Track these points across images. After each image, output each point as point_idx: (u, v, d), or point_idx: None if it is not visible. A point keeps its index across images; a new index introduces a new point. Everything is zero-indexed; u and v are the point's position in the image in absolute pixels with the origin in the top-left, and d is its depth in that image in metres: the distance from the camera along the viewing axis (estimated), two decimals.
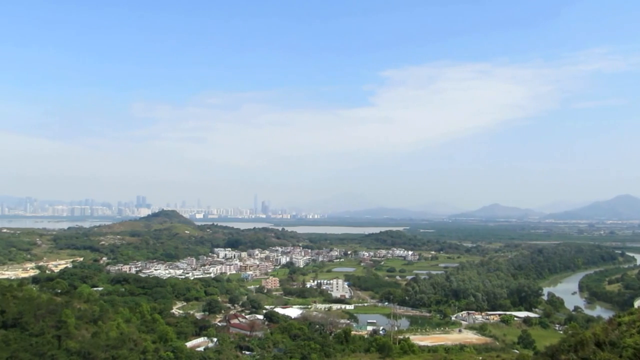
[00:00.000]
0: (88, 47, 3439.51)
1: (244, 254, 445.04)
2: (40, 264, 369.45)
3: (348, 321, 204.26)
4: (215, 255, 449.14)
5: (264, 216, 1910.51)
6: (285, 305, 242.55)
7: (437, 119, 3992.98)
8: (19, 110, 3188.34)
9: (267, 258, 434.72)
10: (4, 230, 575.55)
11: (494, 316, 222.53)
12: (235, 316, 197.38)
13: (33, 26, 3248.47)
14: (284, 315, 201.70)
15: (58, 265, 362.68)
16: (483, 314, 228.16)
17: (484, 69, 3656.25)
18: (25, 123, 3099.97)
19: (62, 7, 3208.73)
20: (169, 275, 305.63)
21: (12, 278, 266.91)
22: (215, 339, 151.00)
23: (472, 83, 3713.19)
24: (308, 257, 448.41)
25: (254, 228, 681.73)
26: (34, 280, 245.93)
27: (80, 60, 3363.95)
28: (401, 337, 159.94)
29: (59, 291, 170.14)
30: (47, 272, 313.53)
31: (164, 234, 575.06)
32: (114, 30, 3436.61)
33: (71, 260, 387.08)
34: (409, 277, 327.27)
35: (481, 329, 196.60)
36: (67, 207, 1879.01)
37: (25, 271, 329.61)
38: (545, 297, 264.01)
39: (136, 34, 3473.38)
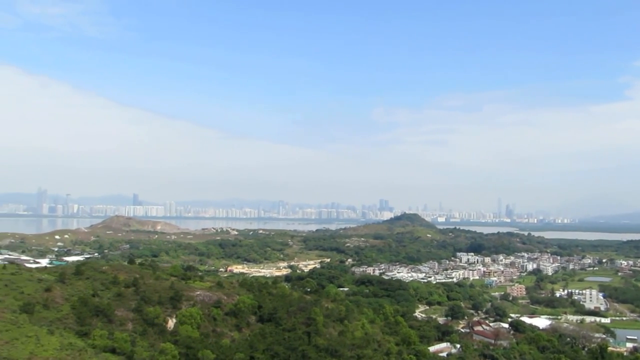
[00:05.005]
0: (332, 56, 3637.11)
1: (487, 259, 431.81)
2: (292, 263, 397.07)
3: (603, 336, 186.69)
4: (457, 259, 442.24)
5: (508, 220, 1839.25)
6: (532, 314, 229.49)
7: None
8: (272, 119, 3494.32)
9: (512, 264, 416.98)
10: (260, 232, 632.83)
11: None
12: (479, 323, 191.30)
13: (284, 37, 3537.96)
14: (530, 325, 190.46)
15: (307, 265, 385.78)
16: None
17: None
18: (277, 131, 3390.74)
19: (308, 17, 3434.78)
20: (411, 279, 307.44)
21: (268, 276, 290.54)
22: (458, 345, 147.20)
23: None
24: (557, 265, 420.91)
25: (498, 232, 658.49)
26: (286, 278, 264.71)
27: (325, 68, 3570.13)
28: None
29: (309, 290, 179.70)
30: (297, 271, 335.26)
31: (406, 237, 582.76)
32: (353, 38, 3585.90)
33: (319, 260, 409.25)
34: None
35: None
36: (315, 210, 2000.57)
37: (278, 270, 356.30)
38: None
39: (374, 41, 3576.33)
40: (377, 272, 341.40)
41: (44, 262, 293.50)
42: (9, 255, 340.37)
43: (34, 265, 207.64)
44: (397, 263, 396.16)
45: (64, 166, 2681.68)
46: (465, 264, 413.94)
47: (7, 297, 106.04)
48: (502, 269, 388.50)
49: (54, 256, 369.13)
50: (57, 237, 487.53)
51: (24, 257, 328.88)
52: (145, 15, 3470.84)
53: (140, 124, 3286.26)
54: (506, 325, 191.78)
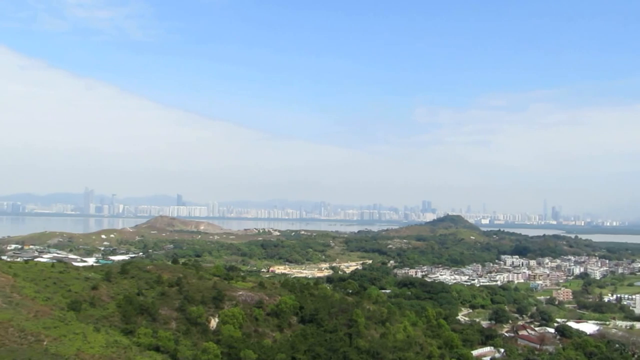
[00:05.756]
0: (374, 56, 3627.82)
1: (532, 262, 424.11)
2: (334, 264, 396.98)
3: None
4: (501, 262, 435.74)
5: (554, 223, 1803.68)
6: (579, 319, 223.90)
7: None
8: (314, 120, 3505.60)
9: (558, 267, 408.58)
10: (302, 232, 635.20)
11: None
12: (524, 327, 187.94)
13: (326, 37, 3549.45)
14: (577, 330, 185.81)
15: (349, 266, 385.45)
16: None
17: None
18: (319, 132, 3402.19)
19: (350, 17, 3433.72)
20: (454, 281, 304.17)
21: (309, 277, 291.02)
22: (502, 350, 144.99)
23: None
24: (605, 269, 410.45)
25: (544, 235, 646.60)
26: (328, 279, 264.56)
27: (367, 69, 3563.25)
28: None
29: (350, 291, 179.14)
30: (339, 272, 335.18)
31: (449, 239, 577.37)
32: (395, 39, 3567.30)
33: (361, 262, 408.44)
34: None
35: None
36: (357, 211, 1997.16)
37: (320, 271, 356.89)
38: None
39: (416, 41, 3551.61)
40: (419, 274, 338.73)
41: (90, 260, 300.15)
42: (58, 253, 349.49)
43: (81, 264, 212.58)
44: (440, 265, 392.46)
45: (110, 167, 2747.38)
46: (510, 267, 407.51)
47: (55, 294, 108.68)
48: (547, 272, 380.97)
49: (100, 255, 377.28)
50: (103, 236, 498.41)
51: (71, 256, 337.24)
52: (189, 18, 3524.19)
53: (184, 126, 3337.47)
54: (552, 330, 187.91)
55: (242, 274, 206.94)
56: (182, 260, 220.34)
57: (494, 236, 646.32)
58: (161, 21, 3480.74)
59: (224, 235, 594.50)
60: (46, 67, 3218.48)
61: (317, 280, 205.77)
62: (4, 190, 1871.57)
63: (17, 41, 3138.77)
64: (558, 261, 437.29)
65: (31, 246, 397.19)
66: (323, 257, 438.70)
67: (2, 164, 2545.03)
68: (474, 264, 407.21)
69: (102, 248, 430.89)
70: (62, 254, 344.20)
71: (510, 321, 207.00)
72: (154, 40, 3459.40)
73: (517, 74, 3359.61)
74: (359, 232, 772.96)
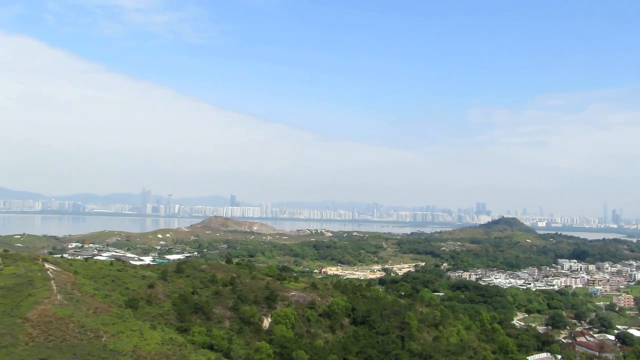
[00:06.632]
0: (427, 57, 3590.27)
1: (591, 267, 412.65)
2: (386, 266, 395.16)
3: None
4: (558, 266, 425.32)
5: (614, 226, 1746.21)
6: None
7: None
8: (367, 121, 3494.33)
9: (618, 272, 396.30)
10: (354, 234, 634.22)
11: None
12: (582, 334, 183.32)
13: (379, 38, 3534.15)
14: (639, 338, 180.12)
15: (402, 268, 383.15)
16: None
17: None
18: (372, 133, 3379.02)
19: (403, 18, 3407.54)
20: (509, 285, 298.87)
21: (361, 278, 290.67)
22: (559, 356, 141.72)
23: None
24: None
25: (603, 239, 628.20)
26: (380, 281, 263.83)
27: (421, 69, 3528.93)
28: None
29: (403, 293, 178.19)
30: (391, 274, 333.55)
31: (504, 242, 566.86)
32: (449, 39, 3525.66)
33: (413, 264, 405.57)
34: None
35: None
36: (409, 213, 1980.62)
37: (372, 272, 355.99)
38: None
39: (470, 41, 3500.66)
40: (473, 277, 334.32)
41: (147, 259, 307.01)
42: (116, 252, 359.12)
43: (138, 263, 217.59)
44: (495, 268, 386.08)
45: (167, 168, 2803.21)
46: (567, 271, 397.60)
47: (113, 292, 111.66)
48: (607, 277, 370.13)
49: (156, 254, 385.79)
50: (159, 235, 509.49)
51: (129, 255, 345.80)
52: (242, 20, 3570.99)
53: (238, 127, 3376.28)
54: (612, 337, 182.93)
55: (294, 274, 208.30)
56: (235, 260, 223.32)
57: (551, 239, 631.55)
58: (215, 24, 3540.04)
59: (277, 236, 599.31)
60: (106, 71, 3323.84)
61: (369, 282, 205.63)
62: (65, 190, 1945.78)
63: (78, 46, 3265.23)
64: (619, 266, 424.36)
65: (91, 245, 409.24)
66: (375, 258, 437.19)
67: (64, 165, 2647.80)
68: (530, 267, 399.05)
69: (159, 247, 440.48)
70: (120, 253, 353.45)
71: (567, 327, 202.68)
72: (208, 43, 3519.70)
73: (575, 74, 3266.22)
74: (411, 233, 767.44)
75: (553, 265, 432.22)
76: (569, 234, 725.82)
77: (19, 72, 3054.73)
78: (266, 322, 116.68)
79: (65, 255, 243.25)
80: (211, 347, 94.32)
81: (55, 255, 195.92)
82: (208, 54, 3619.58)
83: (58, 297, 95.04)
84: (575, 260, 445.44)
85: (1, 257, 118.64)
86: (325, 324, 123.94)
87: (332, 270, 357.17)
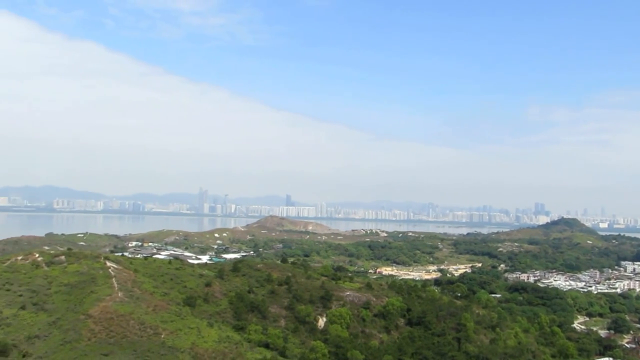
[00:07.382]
0: (482, 55, 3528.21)
1: None
2: (442, 267, 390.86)
3: None
4: (621, 269, 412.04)
5: None
6: None
7: None
8: (422, 120, 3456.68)
9: None
10: (410, 234, 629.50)
11: None
12: None
13: (433, 37, 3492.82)
14: None
15: (458, 269, 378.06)
16: None
17: None
18: (427, 132, 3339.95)
19: (457, 17, 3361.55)
20: (569, 287, 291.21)
21: (417, 279, 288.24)
22: None
23: None
24: None
25: None
26: (436, 282, 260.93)
27: (476, 68, 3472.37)
28: None
29: (459, 295, 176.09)
30: (447, 275, 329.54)
31: (564, 243, 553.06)
32: (505, 37, 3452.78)
33: (470, 265, 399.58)
34: None
35: None
36: (466, 213, 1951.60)
37: (427, 273, 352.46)
38: None
39: (528, 40, 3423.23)
40: (531, 279, 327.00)
41: (204, 258, 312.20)
42: (174, 251, 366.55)
43: (195, 262, 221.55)
44: (554, 270, 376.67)
45: (223, 168, 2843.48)
46: (631, 274, 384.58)
47: (172, 290, 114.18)
48: None
49: (213, 253, 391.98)
50: (216, 235, 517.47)
51: (187, 254, 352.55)
52: (296, 21, 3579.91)
53: (293, 127, 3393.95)
54: None
55: (349, 274, 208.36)
56: (291, 260, 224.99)
57: (613, 241, 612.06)
58: (270, 25, 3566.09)
59: (332, 236, 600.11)
60: (164, 74, 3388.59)
61: (425, 283, 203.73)
62: (126, 191, 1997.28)
63: (138, 49, 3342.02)
64: None
65: (150, 243, 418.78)
66: (431, 259, 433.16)
67: (124, 166, 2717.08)
68: (591, 269, 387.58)
69: (215, 246, 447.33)
70: (178, 252, 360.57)
71: (631, 331, 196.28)
72: (263, 45, 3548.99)
73: (636, 71, 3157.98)
74: (467, 234, 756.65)
75: (615, 267, 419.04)
76: (632, 235, 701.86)
77: (82, 76, 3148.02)
78: (321, 322, 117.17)
79: (126, 254, 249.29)
80: (267, 346, 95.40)
81: (116, 254, 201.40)
82: (263, 56, 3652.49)
83: (119, 295, 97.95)
84: (639, 263, 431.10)
85: (65, 255, 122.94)
86: (380, 324, 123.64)
87: (387, 270, 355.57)
